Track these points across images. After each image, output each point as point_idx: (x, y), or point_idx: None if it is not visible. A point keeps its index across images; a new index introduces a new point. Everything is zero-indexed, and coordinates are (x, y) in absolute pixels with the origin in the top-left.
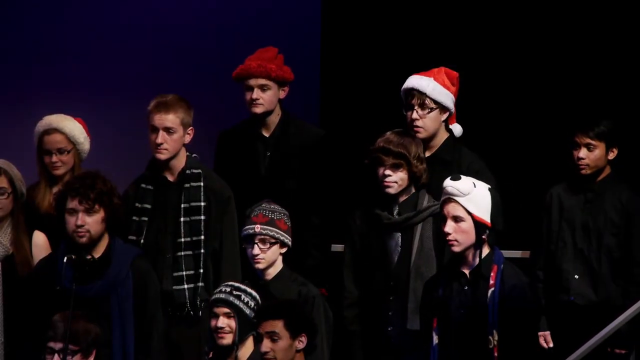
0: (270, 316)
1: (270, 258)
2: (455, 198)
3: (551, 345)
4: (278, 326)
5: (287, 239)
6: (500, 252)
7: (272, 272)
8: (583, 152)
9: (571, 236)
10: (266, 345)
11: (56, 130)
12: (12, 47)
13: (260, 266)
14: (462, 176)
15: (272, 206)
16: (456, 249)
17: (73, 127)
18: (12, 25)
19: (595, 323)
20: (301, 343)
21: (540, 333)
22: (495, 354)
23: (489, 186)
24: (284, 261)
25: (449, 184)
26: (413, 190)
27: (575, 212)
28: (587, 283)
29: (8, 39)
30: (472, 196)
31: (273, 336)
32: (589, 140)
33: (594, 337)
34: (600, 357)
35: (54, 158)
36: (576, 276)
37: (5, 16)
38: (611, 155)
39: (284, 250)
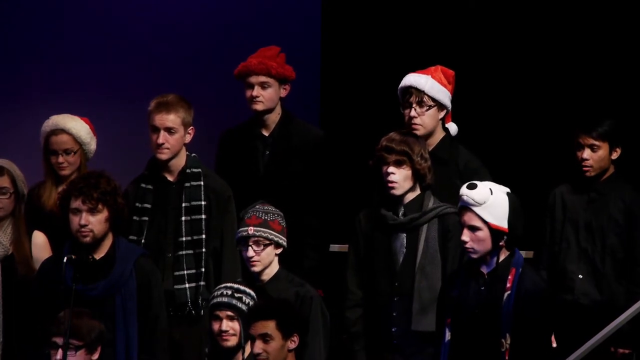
0: (261, 317)
1: (265, 260)
2: (471, 207)
3: (555, 345)
4: (270, 327)
5: (282, 240)
6: (521, 255)
7: (268, 274)
8: (587, 153)
9: (575, 236)
10: (258, 346)
11: (63, 130)
12: (16, 48)
13: (257, 269)
14: (478, 184)
15: (265, 207)
16: (474, 256)
17: (80, 128)
18: (16, 26)
19: (599, 323)
20: (293, 343)
21: None
22: (507, 357)
23: (507, 190)
24: (280, 262)
25: (464, 192)
26: (418, 191)
27: (578, 212)
28: (591, 283)
29: (12, 39)
30: (489, 204)
31: (265, 337)
32: (592, 141)
33: (594, 337)
34: (603, 357)
35: (61, 159)
36: (580, 276)
37: (8, 16)
38: (615, 155)
39: (279, 251)
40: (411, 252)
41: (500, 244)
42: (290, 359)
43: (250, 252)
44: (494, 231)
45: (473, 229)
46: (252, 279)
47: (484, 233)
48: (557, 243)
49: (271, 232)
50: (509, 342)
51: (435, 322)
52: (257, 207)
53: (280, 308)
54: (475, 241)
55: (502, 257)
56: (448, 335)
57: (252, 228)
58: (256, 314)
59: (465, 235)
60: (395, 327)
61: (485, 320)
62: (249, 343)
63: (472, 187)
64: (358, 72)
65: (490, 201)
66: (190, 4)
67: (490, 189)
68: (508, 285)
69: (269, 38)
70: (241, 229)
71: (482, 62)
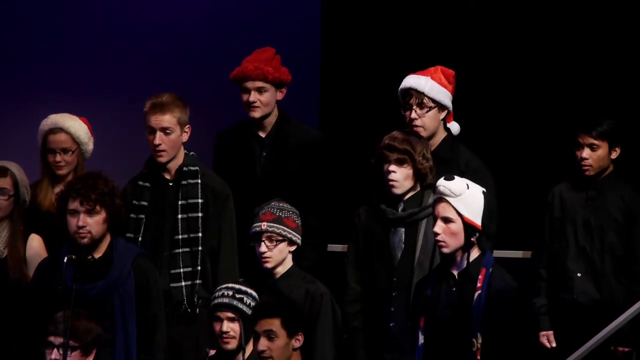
0: (267, 314)
1: (277, 256)
2: (447, 198)
3: (554, 344)
4: (275, 324)
5: (296, 237)
6: (491, 255)
7: (280, 271)
8: (586, 152)
9: (573, 234)
10: (263, 343)
11: (61, 129)
12: (16, 48)
13: (269, 265)
14: (455, 177)
15: (281, 204)
16: (445, 250)
17: (78, 127)
18: (16, 26)
19: (599, 322)
20: (298, 342)
21: (543, 333)
22: (478, 357)
23: (483, 189)
24: (294, 259)
25: (441, 183)
26: (418, 189)
27: (577, 210)
28: (590, 281)
29: (12, 39)
30: (464, 197)
31: (270, 334)
32: (591, 140)
33: (595, 336)
34: (603, 356)
35: (58, 157)
36: (579, 274)
37: (8, 16)
38: (614, 155)
39: (292, 248)
40: (410, 248)
41: (472, 239)
42: (294, 357)
43: (263, 248)
44: (467, 225)
45: (446, 220)
46: (263, 275)
47: (457, 226)
48: (557, 241)
49: (285, 228)
50: (480, 341)
51: (410, 323)
52: (273, 203)
53: (286, 306)
54: (447, 234)
55: (473, 257)
56: (421, 339)
57: (265, 224)
58: (261, 312)
59: (438, 227)
60: (394, 322)
61: (456, 321)
62: (249, 344)
63: (449, 178)
64: (358, 73)
65: (466, 194)
66: (190, 4)
67: (467, 184)
68: (478, 285)
69: (268, 38)
70: (255, 225)
71: (483, 62)
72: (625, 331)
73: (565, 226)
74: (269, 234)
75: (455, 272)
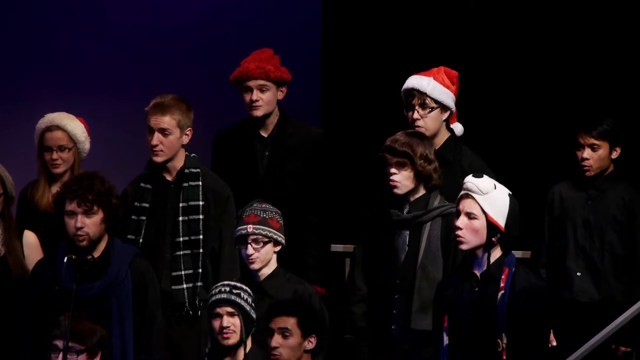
0: (283, 312)
1: (264, 257)
2: (473, 195)
3: (554, 343)
4: (290, 323)
5: (281, 237)
6: (514, 255)
7: (266, 272)
8: (587, 153)
9: (573, 233)
10: (276, 340)
11: (58, 127)
12: (16, 48)
13: (256, 266)
14: (485, 175)
15: (263, 205)
16: (463, 246)
17: (75, 126)
18: (16, 26)
19: (598, 320)
20: (310, 344)
21: None
22: (504, 357)
23: (510, 192)
24: (278, 260)
25: (469, 180)
26: (424, 192)
27: (576, 209)
28: (590, 280)
29: (12, 39)
30: (490, 196)
31: (284, 332)
32: (592, 140)
33: (596, 336)
34: (604, 354)
35: (55, 155)
36: (578, 273)
37: (8, 16)
38: (614, 155)
39: (277, 248)
40: (413, 250)
41: (493, 239)
42: (305, 359)
43: (250, 250)
44: (490, 224)
45: (470, 216)
46: (249, 276)
47: (480, 223)
48: (556, 241)
49: (270, 229)
50: (505, 341)
51: (433, 322)
52: (255, 205)
53: (302, 307)
54: (469, 229)
55: (495, 257)
56: (446, 340)
57: (251, 226)
58: (278, 309)
59: (461, 221)
60: (395, 324)
61: (480, 321)
62: (250, 338)
63: (478, 176)
64: (358, 72)
65: (493, 194)
66: (191, 4)
67: (494, 184)
68: (502, 284)
69: (268, 38)
70: (240, 227)
71: (484, 62)
72: (625, 330)
73: (565, 225)
74: (255, 236)
75: (477, 272)
